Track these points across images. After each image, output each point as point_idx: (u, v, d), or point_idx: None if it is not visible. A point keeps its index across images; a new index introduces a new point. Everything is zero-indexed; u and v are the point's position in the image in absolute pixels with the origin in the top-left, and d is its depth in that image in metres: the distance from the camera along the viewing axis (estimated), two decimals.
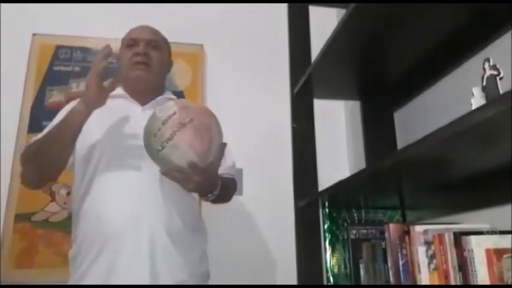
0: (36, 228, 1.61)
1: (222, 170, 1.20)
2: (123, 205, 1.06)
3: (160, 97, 1.25)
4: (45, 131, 1.16)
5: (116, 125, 1.12)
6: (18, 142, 1.68)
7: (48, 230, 1.62)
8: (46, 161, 1.10)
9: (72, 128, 1.06)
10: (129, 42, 1.24)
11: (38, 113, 1.73)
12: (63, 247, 1.60)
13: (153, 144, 0.96)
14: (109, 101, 1.23)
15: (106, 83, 1.05)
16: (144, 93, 1.22)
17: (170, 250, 1.07)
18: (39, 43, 1.80)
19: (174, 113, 0.96)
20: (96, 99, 1.04)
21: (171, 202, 1.09)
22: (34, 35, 1.80)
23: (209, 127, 0.99)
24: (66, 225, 1.63)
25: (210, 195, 1.06)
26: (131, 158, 1.09)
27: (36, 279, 1.53)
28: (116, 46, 1.61)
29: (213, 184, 1.05)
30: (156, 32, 1.29)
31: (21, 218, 1.61)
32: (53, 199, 1.65)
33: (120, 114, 1.15)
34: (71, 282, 1.09)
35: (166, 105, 1.00)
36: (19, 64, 1.75)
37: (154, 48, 1.23)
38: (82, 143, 1.11)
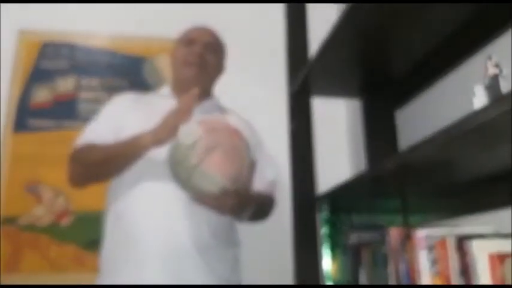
0: (21, 232, 1.61)
1: (262, 186, 1.20)
2: (151, 214, 1.08)
3: (206, 102, 1.26)
4: (93, 134, 1.17)
5: None
6: (3, 141, 1.67)
7: (34, 233, 1.61)
8: (103, 169, 1.14)
9: (134, 157, 1.08)
10: (187, 41, 1.25)
11: (24, 111, 1.73)
12: (49, 252, 1.60)
13: (181, 172, 0.96)
14: (155, 99, 1.25)
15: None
16: None
17: (197, 261, 1.08)
18: (25, 40, 1.80)
19: (200, 138, 0.96)
20: (167, 139, 1.03)
21: (202, 213, 1.08)
22: (20, 32, 1.80)
23: (238, 149, 0.99)
24: (51, 230, 1.63)
25: (244, 214, 1.07)
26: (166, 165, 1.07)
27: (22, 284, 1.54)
28: (101, 43, 1.62)
29: (247, 204, 1.06)
30: (214, 35, 1.30)
31: (7, 221, 1.61)
32: (39, 202, 1.65)
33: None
34: (99, 281, 1.11)
35: (191, 129, 0.99)
36: (5, 61, 1.75)
37: (211, 51, 1.25)
38: None
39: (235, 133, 1.02)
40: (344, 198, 1.24)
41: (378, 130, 1.46)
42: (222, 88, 1.86)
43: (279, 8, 1.61)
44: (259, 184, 1.17)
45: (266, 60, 1.90)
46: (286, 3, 1.57)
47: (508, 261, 0.73)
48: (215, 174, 0.94)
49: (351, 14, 1.02)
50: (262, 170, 1.19)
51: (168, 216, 1.08)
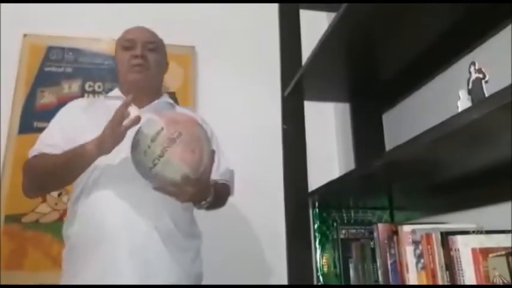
0: (26, 230, 1.58)
1: (217, 176, 1.20)
2: (117, 208, 1.06)
3: (157, 101, 1.24)
4: (43, 144, 1.14)
5: None
6: (8, 143, 1.65)
7: (38, 231, 1.59)
8: (53, 179, 1.11)
9: (82, 165, 1.06)
10: (126, 44, 1.22)
11: (29, 114, 1.70)
12: (53, 249, 1.57)
13: (144, 162, 0.95)
14: (106, 102, 1.23)
15: (123, 126, 1.00)
16: (141, 96, 1.21)
17: (163, 252, 1.07)
18: (30, 44, 1.77)
19: (162, 129, 0.94)
20: (110, 145, 1.01)
21: (165, 206, 1.08)
22: (25, 35, 1.77)
23: (198, 138, 0.99)
24: (56, 227, 1.60)
25: (203, 202, 1.06)
26: (127, 162, 1.05)
27: (25, 282, 1.50)
28: (105, 47, 1.62)
29: (206, 192, 1.06)
30: (152, 33, 1.27)
31: (11, 219, 1.58)
32: (44, 200, 1.62)
33: None
34: (63, 280, 1.09)
35: (152, 121, 0.98)
36: (10, 65, 1.72)
37: (152, 50, 1.22)
38: None
39: (194, 123, 1.02)
40: (334, 195, 1.24)
41: (366, 133, 1.46)
42: (218, 89, 1.86)
43: (275, 10, 1.60)
44: (216, 173, 1.17)
45: (262, 63, 1.88)
46: (279, 3, 1.56)
47: (491, 256, 0.72)
48: (178, 163, 0.93)
49: (339, 23, 1.02)
50: (217, 160, 1.18)
51: (132, 207, 1.06)
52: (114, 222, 1.05)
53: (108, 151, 1.02)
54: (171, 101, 1.31)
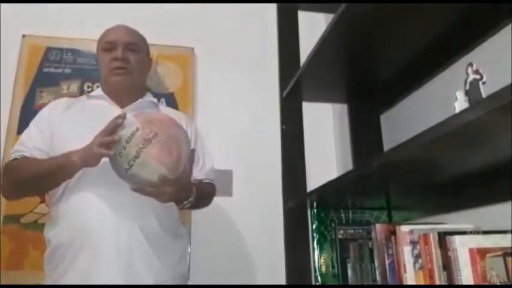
0: (25, 230, 1.57)
1: (201, 176, 1.20)
2: (101, 209, 1.04)
3: (140, 100, 1.22)
4: (24, 146, 1.12)
5: (95, 129, 1.03)
6: (7, 143, 1.64)
7: (37, 231, 1.58)
8: (34, 185, 1.10)
9: (64, 175, 1.05)
10: (107, 46, 1.20)
11: (28, 114, 1.69)
12: None
13: (120, 163, 0.94)
14: (89, 102, 1.22)
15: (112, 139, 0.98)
16: (124, 96, 1.20)
17: (148, 252, 1.06)
18: (29, 44, 1.77)
19: (137, 129, 0.93)
20: (94, 162, 1.00)
21: (149, 206, 1.06)
22: (24, 36, 1.77)
23: (176, 138, 0.97)
24: None
25: (185, 202, 1.05)
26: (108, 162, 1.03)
27: (25, 282, 1.50)
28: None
29: (188, 192, 1.05)
30: (133, 33, 1.25)
31: (10, 219, 1.57)
32: (42, 201, 1.62)
33: (100, 118, 1.06)
34: (47, 283, 1.08)
35: (128, 121, 0.96)
36: (9, 65, 1.72)
37: (133, 51, 1.20)
38: (62, 148, 1.07)
39: (172, 123, 1.01)
40: (332, 195, 1.24)
41: (364, 133, 1.46)
42: (217, 90, 1.86)
43: (274, 11, 1.60)
44: (200, 173, 1.17)
45: (261, 64, 1.88)
46: (277, 3, 1.56)
47: (489, 256, 0.72)
48: (154, 164, 0.92)
49: (337, 26, 1.02)
50: (201, 159, 1.18)
51: (117, 208, 1.04)
52: (99, 223, 1.03)
53: (92, 165, 1.00)
54: (154, 99, 1.29)
